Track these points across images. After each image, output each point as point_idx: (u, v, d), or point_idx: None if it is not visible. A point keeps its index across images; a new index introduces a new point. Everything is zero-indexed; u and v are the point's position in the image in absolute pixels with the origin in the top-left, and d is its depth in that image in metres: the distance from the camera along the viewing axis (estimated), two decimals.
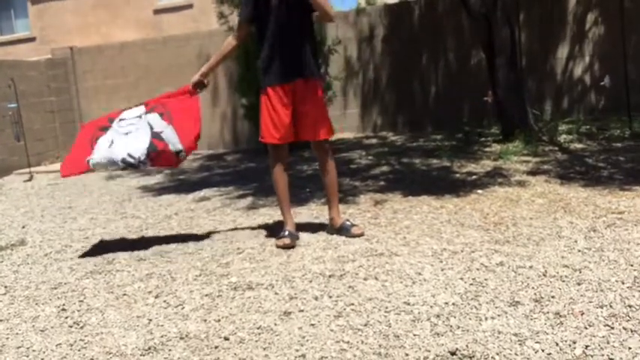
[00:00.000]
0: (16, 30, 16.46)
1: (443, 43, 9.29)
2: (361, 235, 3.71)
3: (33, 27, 16.07)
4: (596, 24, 8.76)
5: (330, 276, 3.05)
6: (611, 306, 2.42)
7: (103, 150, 3.72)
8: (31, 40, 15.88)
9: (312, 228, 4.04)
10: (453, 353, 2.13)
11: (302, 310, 2.64)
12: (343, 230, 3.76)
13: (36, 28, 16.00)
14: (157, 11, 14.75)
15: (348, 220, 3.87)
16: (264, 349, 2.31)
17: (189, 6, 14.06)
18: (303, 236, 3.85)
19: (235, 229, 4.27)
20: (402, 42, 9.44)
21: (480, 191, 4.75)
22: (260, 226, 4.26)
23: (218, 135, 10.04)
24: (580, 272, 2.82)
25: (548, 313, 2.39)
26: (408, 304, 2.60)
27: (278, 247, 3.62)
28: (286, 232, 3.70)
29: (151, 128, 3.75)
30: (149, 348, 2.41)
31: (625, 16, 7.36)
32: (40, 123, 9.88)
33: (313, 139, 3.75)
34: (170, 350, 2.37)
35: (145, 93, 10.30)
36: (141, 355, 2.36)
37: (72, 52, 10.60)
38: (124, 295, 3.08)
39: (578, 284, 2.67)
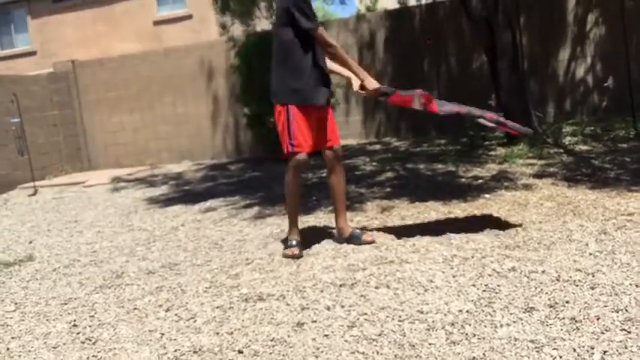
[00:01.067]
0: (17, 44, 16.52)
1: (444, 47, 9.30)
2: (372, 242, 3.71)
3: (33, 41, 16.13)
4: (597, 25, 8.76)
5: (341, 285, 3.03)
6: (626, 310, 2.40)
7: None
8: (32, 54, 15.95)
9: (321, 236, 4.03)
10: None
11: (315, 321, 2.63)
12: (353, 238, 3.75)
13: (36, 42, 16.06)
14: (157, 22, 14.80)
15: (357, 229, 3.86)
16: None
17: (189, 17, 14.10)
18: (312, 245, 3.83)
19: (243, 239, 4.26)
20: (403, 47, 9.45)
21: (487, 195, 4.73)
22: (268, 236, 4.25)
23: (221, 145, 10.04)
24: (593, 276, 2.80)
25: (563, 318, 2.38)
26: (422, 312, 2.59)
27: (286, 256, 3.62)
28: (294, 242, 3.71)
29: None
30: None
31: (626, 16, 7.36)
32: (44, 137, 9.89)
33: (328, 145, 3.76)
34: None
35: (147, 104, 10.35)
36: None
37: (73, 66, 10.62)
38: (135, 309, 3.07)
39: (592, 288, 2.66)
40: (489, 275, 2.96)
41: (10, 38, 16.62)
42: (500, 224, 3.86)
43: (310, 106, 3.62)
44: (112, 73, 10.51)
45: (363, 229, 3.97)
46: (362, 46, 9.63)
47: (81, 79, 10.60)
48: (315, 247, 3.78)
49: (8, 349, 2.73)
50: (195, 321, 2.80)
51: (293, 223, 3.81)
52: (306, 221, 4.54)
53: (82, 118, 10.65)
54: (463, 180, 5.52)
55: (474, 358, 2.13)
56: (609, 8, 8.29)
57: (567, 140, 7.02)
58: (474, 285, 2.85)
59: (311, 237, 4.06)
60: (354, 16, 10.07)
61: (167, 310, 2.99)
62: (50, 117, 10.15)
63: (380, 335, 2.41)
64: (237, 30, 8.95)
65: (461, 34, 9.10)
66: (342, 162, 3.83)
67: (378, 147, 8.71)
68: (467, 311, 2.54)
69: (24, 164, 8.95)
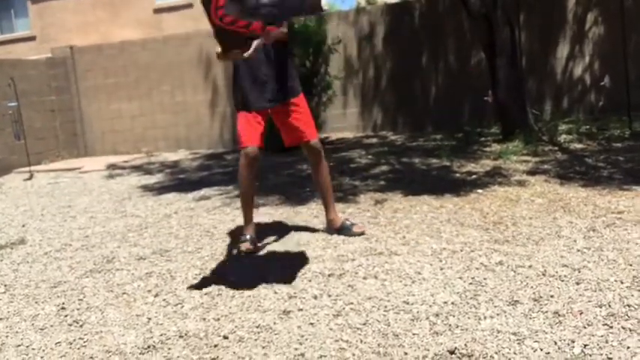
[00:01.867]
0: (17, 29, 16.46)
1: (443, 42, 9.29)
2: (362, 233, 3.73)
3: (33, 26, 16.07)
4: (596, 24, 8.76)
5: (329, 275, 3.05)
6: (609, 305, 2.42)
7: None
8: (32, 39, 15.88)
9: (312, 227, 4.05)
10: (451, 352, 2.13)
11: (301, 309, 2.65)
12: (344, 230, 3.76)
13: (36, 27, 16.00)
14: (157, 10, 14.75)
15: (347, 220, 3.87)
16: (264, 347, 2.31)
17: (189, 5, 14.04)
18: (303, 235, 3.85)
19: (235, 228, 4.27)
20: (402, 41, 9.44)
21: (479, 191, 4.75)
22: (259, 225, 4.26)
23: (218, 134, 10.04)
24: (579, 272, 2.82)
25: (547, 312, 2.40)
26: (407, 303, 2.60)
27: (240, 252, 3.59)
28: (248, 236, 3.68)
29: None
30: (148, 347, 2.41)
31: (625, 16, 7.36)
32: (41, 122, 9.88)
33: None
34: (169, 349, 2.38)
35: (146, 92, 10.33)
36: (140, 353, 2.37)
37: (72, 51, 10.59)
38: (124, 293, 3.09)
39: (577, 284, 2.68)
40: (476, 268, 2.98)
41: (9, 23, 16.55)
42: (491, 219, 3.88)
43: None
44: (111, 59, 10.48)
45: (354, 224, 3.88)
46: (361, 39, 9.62)
47: (79, 64, 10.58)
48: (306, 237, 3.80)
49: None
50: (182, 307, 2.82)
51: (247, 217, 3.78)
52: (298, 212, 4.56)
53: (80, 104, 10.63)
54: (457, 175, 5.53)
55: (455, 348, 2.15)
56: (609, 8, 8.29)
57: (562, 138, 7.04)
58: (460, 278, 2.87)
59: (302, 227, 4.08)
60: (353, 8, 10.05)
61: (156, 296, 3.01)
62: (48, 102, 10.14)
63: (365, 324, 2.43)
64: None
65: (460, 30, 9.10)
66: (323, 155, 3.79)
67: (374, 140, 8.72)
68: (452, 303, 2.56)
69: (20, 149, 8.94)
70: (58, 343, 2.53)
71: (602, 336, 2.17)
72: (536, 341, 2.16)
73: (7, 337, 2.66)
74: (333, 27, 9.31)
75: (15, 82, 8.82)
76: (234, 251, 3.63)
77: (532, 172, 5.31)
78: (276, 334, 2.42)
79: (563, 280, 2.73)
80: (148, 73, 10.28)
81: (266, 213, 4.65)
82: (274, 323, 2.52)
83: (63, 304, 3.01)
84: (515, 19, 7.65)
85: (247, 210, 3.75)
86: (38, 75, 10.02)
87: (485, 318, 2.39)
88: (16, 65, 9.65)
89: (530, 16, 8.73)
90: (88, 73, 10.56)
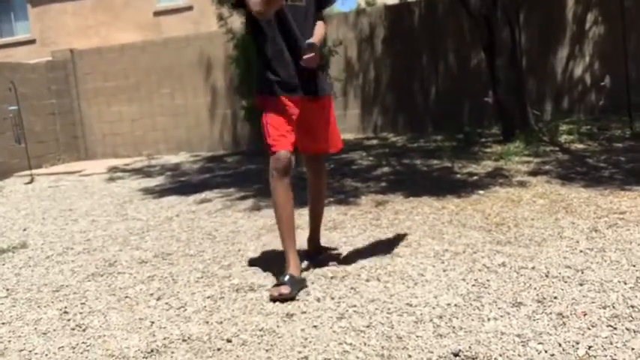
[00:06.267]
0: (16, 32, 16.47)
1: (443, 43, 9.30)
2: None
3: (33, 29, 16.07)
4: (597, 24, 8.77)
5: (332, 277, 3.04)
6: (613, 307, 2.41)
7: None
8: (31, 42, 15.89)
9: None
10: (455, 354, 2.12)
11: (304, 312, 2.64)
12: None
13: (36, 30, 16.00)
14: (157, 13, 14.76)
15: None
16: (267, 351, 2.30)
17: (189, 8, 14.06)
18: (306, 237, 3.84)
19: (237, 230, 4.27)
20: (402, 43, 9.44)
21: (481, 192, 4.75)
22: (261, 228, 4.26)
23: (218, 137, 10.04)
24: (582, 273, 2.82)
25: (550, 313, 2.39)
26: (411, 305, 2.60)
27: (272, 298, 2.81)
28: (286, 277, 2.89)
29: None
30: (151, 350, 2.40)
31: (625, 16, 7.36)
32: (41, 125, 9.88)
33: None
34: (172, 353, 2.37)
35: (146, 94, 10.34)
36: (143, 357, 2.36)
37: (72, 55, 10.61)
38: (126, 297, 3.08)
39: (581, 285, 2.67)
40: (479, 270, 2.97)
41: (9, 26, 16.56)
42: (493, 220, 3.88)
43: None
44: (111, 62, 10.49)
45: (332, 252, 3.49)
46: (361, 41, 9.63)
47: (79, 68, 10.59)
48: None
49: None
50: (185, 310, 2.81)
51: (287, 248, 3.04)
52: (300, 214, 4.55)
53: (80, 107, 10.64)
54: (458, 176, 5.53)
55: (459, 350, 2.14)
56: (609, 8, 8.29)
57: (563, 138, 7.04)
58: (463, 279, 2.86)
59: (305, 229, 4.07)
60: (354, 10, 10.06)
61: (158, 299, 3.00)
62: (48, 105, 10.14)
63: (368, 327, 2.42)
64: (236, 22, 8.94)
65: (460, 30, 9.10)
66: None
67: (375, 142, 8.72)
68: (455, 305, 2.55)
69: (21, 152, 8.94)
70: (61, 347, 2.52)
71: (606, 337, 2.16)
72: (540, 343, 2.15)
73: (9, 341, 2.65)
74: (333, 29, 9.31)
75: (15, 86, 8.82)
76: (269, 294, 2.85)
77: (533, 173, 5.31)
78: (279, 338, 2.41)
79: (566, 282, 2.72)
80: (148, 75, 10.28)
81: (267, 215, 4.65)
82: (277, 326, 2.52)
83: (65, 308, 3.00)
84: (515, 19, 7.66)
85: (288, 239, 3.00)
86: (38, 78, 10.03)
87: (489, 320, 2.38)
88: (16, 69, 9.66)
89: (530, 16, 8.74)
90: (88, 76, 10.56)
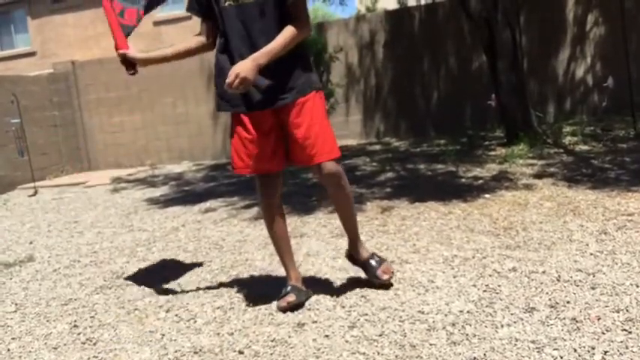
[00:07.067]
0: (17, 45, 16.52)
1: (444, 47, 9.30)
2: (385, 283, 2.91)
3: (33, 41, 16.12)
4: (597, 24, 8.77)
5: (342, 285, 3.03)
6: (627, 310, 2.40)
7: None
8: (32, 54, 15.94)
9: (321, 237, 4.03)
10: None
11: (315, 321, 2.63)
12: (370, 271, 2.96)
13: (36, 42, 16.05)
14: (157, 23, 14.80)
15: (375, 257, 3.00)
16: None
17: (189, 17, 14.08)
18: (312, 245, 3.84)
19: (243, 240, 4.26)
20: (402, 47, 9.45)
21: (487, 195, 4.73)
22: (268, 237, 4.23)
23: (221, 145, 10.04)
24: (594, 276, 2.80)
25: (564, 318, 2.37)
26: (423, 312, 2.58)
27: (281, 308, 2.79)
28: (289, 288, 2.88)
29: None
30: None
31: (626, 16, 7.36)
32: (44, 137, 9.89)
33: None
34: None
35: (147, 104, 10.34)
36: None
37: (73, 66, 10.62)
38: (136, 309, 3.07)
39: (593, 288, 2.66)
40: (490, 275, 2.96)
41: (10, 39, 16.61)
42: (501, 224, 3.86)
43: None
44: (112, 73, 10.49)
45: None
46: (362, 47, 9.64)
47: (81, 79, 10.60)
48: (316, 247, 3.78)
49: (9, 349, 2.73)
50: (195, 322, 2.80)
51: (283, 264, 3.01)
52: (306, 222, 4.54)
53: (82, 118, 10.65)
54: (463, 180, 5.52)
55: (474, 358, 2.12)
56: (609, 8, 8.30)
57: (567, 140, 7.03)
58: (474, 285, 2.85)
59: (311, 237, 4.06)
60: (353, 16, 10.07)
61: (167, 311, 2.99)
62: (50, 117, 10.15)
63: (381, 336, 2.40)
64: None
65: (460, 34, 9.11)
66: (343, 181, 2.82)
67: (377, 147, 8.71)
68: (467, 311, 2.54)
69: (24, 165, 8.94)
70: None
71: (621, 342, 2.15)
72: (555, 349, 2.14)
73: (20, 357, 2.64)
74: (333, 35, 9.33)
75: (17, 99, 8.83)
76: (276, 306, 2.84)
77: (539, 176, 5.29)
78: (291, 348, 2.40)
79: (578, 285, 2.71)
80: (149, 85, 10.29)
81: None
82: (289, 336, 2.50)
83: (75, 321, 2.99)
84: (516, 20, 7.66)
85: (284, 255, 2.98)
86: (40, 90, 10.04)
87: (502, 326, 2.36)
88: (17, 81, 9.67)
89: (531, 18, 8.75)
90: (90, 87, 10.58)
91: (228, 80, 2.52)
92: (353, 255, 3.02)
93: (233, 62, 2.61)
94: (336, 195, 2.85)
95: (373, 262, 2.94)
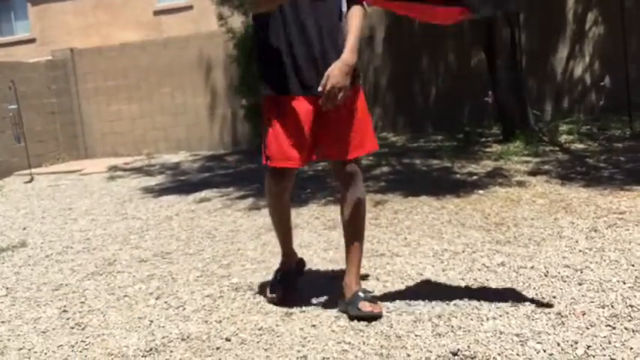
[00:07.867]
0: (16, 31, 16.46)
1: (442, 43, 9.29)
2: (374, 316, 2.45)
3: (33, 28, 16.06)
4: (597, 24, 8.76)
5: (331, 277, 3.04)
6: (612, 306, 2.41)
7: None
8: (31, 41, 15.87)
9: (314, 228, 4.05)
10: (454, 354, 2.12)
11: (303, 311, 2.64)
12: (353, 302, 2.50)
13: (36, 29, 16.00)
14: (157, 12, 14.74)
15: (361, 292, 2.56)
16: (266, 350, 2.30)
17: (189, 7, 14.05)
18: (305, 237, 3.85)
19: (236, 229, 4.27)
20: (401, 43, 9.44)
21: (480, 191, 4.75)
22: (261, 227, 4.26)
23: (218, 136, 10.04)
24: (581, 272, 2.82)
25: (549, 313, 2.39)
26: (410, 304, 2.60)
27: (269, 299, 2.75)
28: (278, 277, 2.83)
29: None
30: (150, 349, 2.40)
31: (625, 16, 7.36)
32: (41, 124, 9.88)
33: None
34: (171, 351, 2.37)
35: (146, 94, 10.33)
36: (142, 356, 2.36)
37: (72, 54, 10.60)
38: (125, 296, 3.08)
39: (580, 284, 2.67)
40: (479, 270, 2.97)
41: (9, 25, 16.55)
42: (492, 220, 3.88)
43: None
44: (111, 61, 10.49)
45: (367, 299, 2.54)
46: (361, 43, 9.61)
47: (79, 67, 10.58)
48: (308, 239, 3.80)
49: None
50: (184, 309, 2.81)
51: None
52: (299, 213, 4.55)
53: (80, 106, 10.63)
54: (458, 176, 5.53)
55: (458, 350, 2.14)
56: (609, 7, 8.29)
57: (563, 138, 7.04)
58: (462, 279, 2.86)
59: (304, 229, 4.08)
60: None
61: (157, 298, 3.00)
62: (48, 104, 10.14)
63: (367, 326, 2.42)
64: (237, 21, 8.94)
65: (459, 31, 9.10)
66: (360, 181, 2.60)
67: None
68: (454, 304, 2.55)
69: (20, 151, 8.94)
70: (60, 346, 2.52)
71: (605, 337, 2.16)
72: (539, 342, 2.15)
73: (9, 340, 2.65)
74: None
75: (15, 85, 8.82)
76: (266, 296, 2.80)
77: (533, 173, 5.31)
78: (278, 337, 2.41)
79: (565, 281, 2.72)
80: (148, 75, 10.28)
81: (267, 214, 4.64)
82: (277, 325, 2.52)
83: (65, 306, 3.00)
84: (515, 19, 7.65)
85: (280, 239, 2.91)
86: (38, 77, 10.02)
87: (487, 319, 2.38)
88: (16, 68, 9.65)
89: (530, 16, 8.73)
90: (88, 75, 10.56)
91: (326, 94, 2.38)
92: (346, 284, 2.61)
93: (291, 45, 2.47)
94: (349, 211, 2.58)
95: (361, 295, 2.51)
